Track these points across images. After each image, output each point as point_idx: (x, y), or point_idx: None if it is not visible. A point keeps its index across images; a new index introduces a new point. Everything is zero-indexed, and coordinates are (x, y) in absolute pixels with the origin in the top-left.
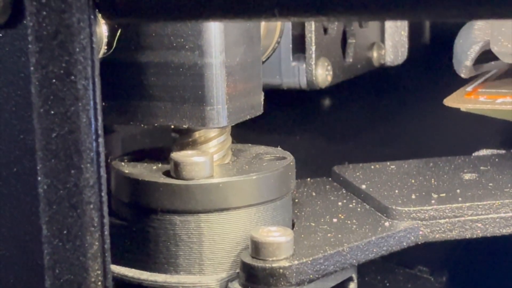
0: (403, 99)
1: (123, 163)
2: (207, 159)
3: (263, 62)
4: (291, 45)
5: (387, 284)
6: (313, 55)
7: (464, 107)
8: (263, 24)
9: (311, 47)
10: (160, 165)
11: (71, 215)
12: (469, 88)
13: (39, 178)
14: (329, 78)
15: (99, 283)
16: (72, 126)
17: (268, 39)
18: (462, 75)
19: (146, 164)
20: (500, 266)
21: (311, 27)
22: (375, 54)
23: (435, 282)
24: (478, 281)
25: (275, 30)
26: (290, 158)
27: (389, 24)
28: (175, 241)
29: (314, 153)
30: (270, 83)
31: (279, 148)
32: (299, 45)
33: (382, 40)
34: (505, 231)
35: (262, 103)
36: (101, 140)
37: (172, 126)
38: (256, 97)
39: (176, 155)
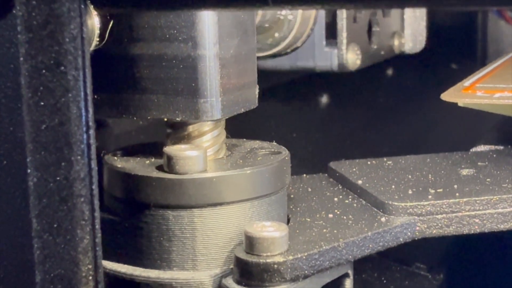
0: (400, 95)
1: (115, 158)
2: (200, 153)
3: (298, 48)
4: (324, 32)
5: (384, 282)
6: (344, 41)
7: (462, 102)
8: (299, 12)
9: (343, 33)
10: (153, 159)
11: (62, 208)
12: (466, 83)
13: (29, 171)
14: (358, 62)
15: (90, 277)
16: (62, 118)
17: (303, 26)
18: None
19: (139, 158)
20: (498, 263)
21: (342, 15)
22: (396, 42)
23: (433, 280)
24: (476, 278)
25: (309, 18)
26: (285, 152)
27: (408, 14)
28: (168, 236)
29: (310, 149)
30: (304, 66)
31: (274, 143)
32: (331, 32)
33: (402, 29)
34: (503, 226)
35: (257, 96)
36: (92, 132)
37: (166, 119)
38: (250, 90)
39: (169, 149)
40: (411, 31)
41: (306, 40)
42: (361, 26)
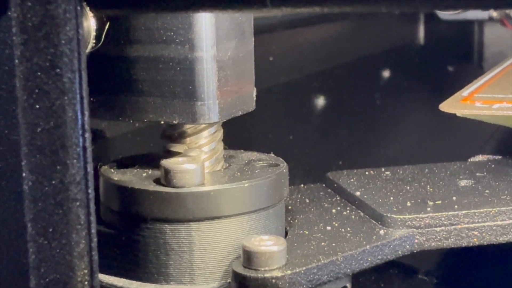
0: (399, 104)
1: (112, 170)
2: (198, 166)
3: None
4: None
5: (382, 285)
6: None
7: (460, 112)
8: None
9: None
10: (150, 171)
11: (57, 212)
12: (465, 93)
13: (24, 175)
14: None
15: (86, 282)
16: (57, 121)
17: None
18: None
19: (136, 171)
20: (495, 267)
21: None
22: None
23: (430, 283)
24: (473, 281)
25: None
26: (283, 165)
27: None
28: (165, 250)
29: (307, 153)
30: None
31: (272, 155)
32: None
33: None
34: (502, 239)
35: (255, 99)
36: (88, 135)
37: (163, 125)
38: (248, 92)
39: (166, 162)
40: None
41: None
42: None
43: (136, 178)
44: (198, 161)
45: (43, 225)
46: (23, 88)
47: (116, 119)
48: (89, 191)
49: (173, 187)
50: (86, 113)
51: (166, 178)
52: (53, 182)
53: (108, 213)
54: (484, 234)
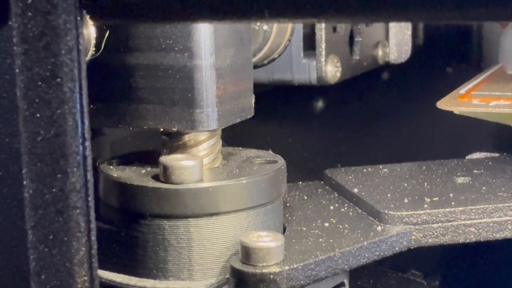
0: (396, 102)
1: (111, 167)
2: (196, 162)
3: (274, 60)
4: (302, 43)
5: None
6: (323, 53)
7: (457, 110)
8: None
9: (321, 44)
10: (149, 168)
11: (57, 220)
12: (462, 90)
13: (25, 183)
14: (338, 74)
15: None
16: (58, 130)
17: (279, 37)
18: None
19: (135, 167)
20: (493, 270)
21: (321, 25)
22: (380, 52)
23: (428, 286)
24: (471, 285)
25: (286, 29)
26: (281, 161)
27: (393, 24)
28: (164, 246)
29: (306, 156)
30: (281, 79)
31: (270, 152)
32: (309, 43)
33: (387, 38)
34: (499, 235)
35: (253, 105)
36: (88, 143)
37: (161, 129)
38: (246, 99)
39: (165, 159)
40: (396, 40)
41: (283, 51)
42: (342, 36)
43: (135, 175)
44: (196, 157)
45: (43, 232)
46: (23, 98)
47: (115, 126)
48: (89, 199)
49: (172, 183)
50: (86, 122)
51: (165, 175)
52: (54, 190)
53: (107, 209)
54: (481, 230)
